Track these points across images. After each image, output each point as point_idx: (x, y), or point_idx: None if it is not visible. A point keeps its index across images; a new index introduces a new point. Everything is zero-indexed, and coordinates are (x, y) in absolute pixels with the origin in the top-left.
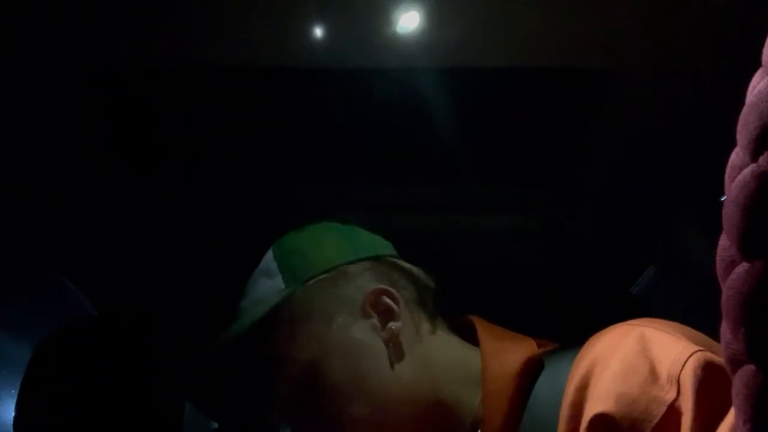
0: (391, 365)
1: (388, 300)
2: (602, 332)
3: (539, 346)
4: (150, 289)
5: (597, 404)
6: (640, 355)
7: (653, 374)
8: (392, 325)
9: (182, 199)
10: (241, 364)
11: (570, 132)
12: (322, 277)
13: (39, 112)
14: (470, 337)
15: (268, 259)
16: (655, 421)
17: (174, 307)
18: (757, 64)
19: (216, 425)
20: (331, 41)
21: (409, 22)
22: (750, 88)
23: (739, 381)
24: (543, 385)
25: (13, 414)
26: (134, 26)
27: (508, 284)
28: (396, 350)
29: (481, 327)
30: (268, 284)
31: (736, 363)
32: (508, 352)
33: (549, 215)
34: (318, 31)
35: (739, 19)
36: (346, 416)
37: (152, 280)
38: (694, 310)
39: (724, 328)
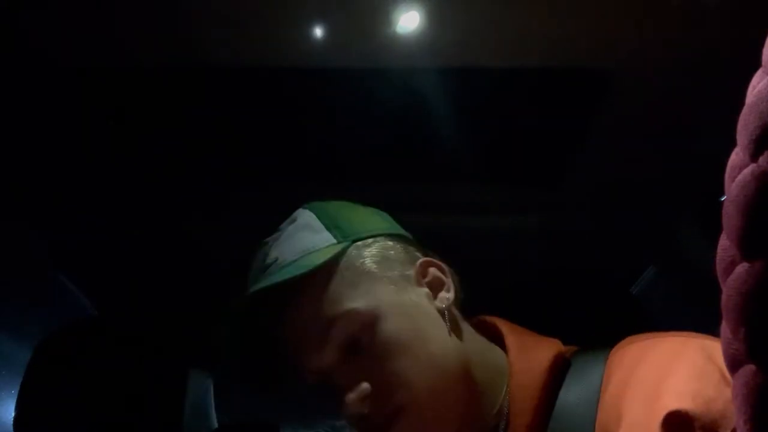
0: (448, 332)
1: (437, 272)
2: (639, 340)
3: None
4: (150, 289)
5: (671, 402)
6: (708, 361)
7: (725, 379)
8: (445, 295)
9: (182, 198)
10: (288, 314)
11: (570, 132)
12: (371, 240)
13: (39, 111)
14: (487, 336)
15: (308, 216)
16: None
17: (174, 307)
18: (757, 64)
19: (216, 425)
20: (331, 41)
21: (409, 22)
22: (750, 88)
23: (739, 381)
24: (573, 382)
25: (13, 414)
26: (134, 26)
27: (507, 284)
28: (451, 319)
29: (505, 325)
30: (315, 238)
31: (736, 363)
32: (535, 349)
33: (549, 215)
34: (318, 31)
35: (738, 19)
36: (399, 375)
37: (152, 280)
38: (694, 310)
39: (724, 328)
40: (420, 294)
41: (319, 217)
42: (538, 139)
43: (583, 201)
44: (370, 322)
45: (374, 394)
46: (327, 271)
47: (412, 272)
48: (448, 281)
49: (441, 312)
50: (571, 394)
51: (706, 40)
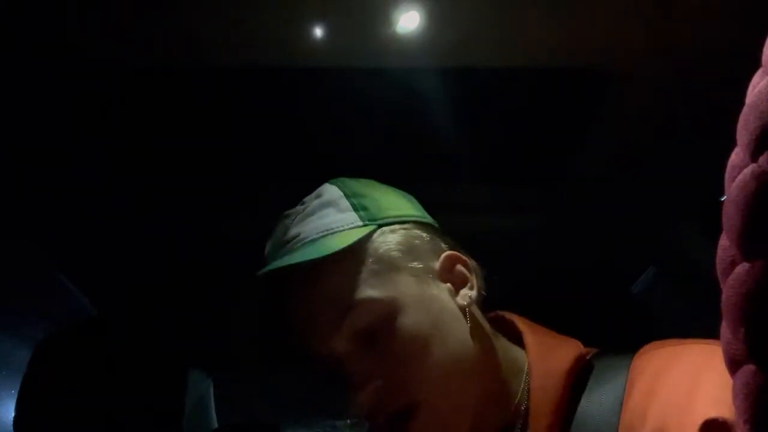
0: (464, 327)
1: (462, 268)
2: (664, 346)
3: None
4: (150, 290)
5: (709, 409)
6: None
7: None
8: (467, 292)
9: (182, 198)
10: (304, 296)
11: (570, 132)
12: (397, 226)
13: (38, 111)
14: (505, 334)
15: (334, 192)
16: None
17: (174, 308)
18: (757, 64)
19: (216, 425)
20: (331, 41)
21: (409, 22)
22: (750, 88)
23: (739, 381)
24: (595, 386)
25: (13, 414)
26: (134, 26)
27: (507, 284)
28: (471, 318)
29: (523, 323)
30: (339, 217)
31: (736, 363)
32: (556, 350)
33: (549, 215)
34: (318, 31)
35: (738, 19)
36: (415, 372)
37: (152, 281)
38: (694, 310)
39: (724, 328)
40: (442, 289)
41: (346, 195)
42: (538, 139)
43: (583, 201)
44: (388, 313)
45: (387, 389)
46: (349, 255)
47: (436, 265)
48: (472, 278)
49: (462, 309)
50: (593, 398)
51: (706, 40)
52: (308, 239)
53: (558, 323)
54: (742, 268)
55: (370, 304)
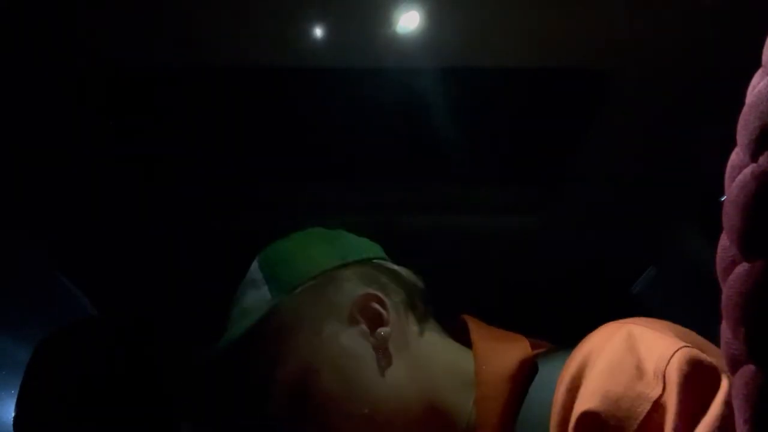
0: (381, 371)
1: (376, 305)
2: (593, 332)
3: (534, 347)
4: (150, 290)
5: (584, 403)
6: (627, 353)
7: (639, 371)
8: (381, 330)
9: (182, 199)
10: (232, 375)
11: (570, 132)
12: (308, 284)
13: (38, 112)
14: (467, 337)
15: (254, 269)
16: (640, 418)
17: (174, 308)
18: (757, 64)
19: None
20: (331, 41)
21: (409, 22)
22: (750, 88)
23: (739, 381)
24: (537, 387)
25: (13, 414)
26: (134, 26)
27: (507, 284)
28: (385, 356)
29: (474, 327)
30: (254, 295)
31: (736, 363)
32: (502, 354)
33: (549, 215)
34: (318, 31)
35: (738, 19)
36: (338, 424)
37: (152, 281)
38: (694, 310)
39: (724, 328)
40: (353, 334)
41: (262, 268)
42: (538, 139)
43: (582, 201)
44: (301, 380)
45: None
46: (259, 331)
47: (345, 311)
48: (388, 315)
49: (377, 350)
50: (533, 399)
51: (705, 40)
52: (234, 321)
53: (558, 323)
54: (742, 268)
55: (283, 377)
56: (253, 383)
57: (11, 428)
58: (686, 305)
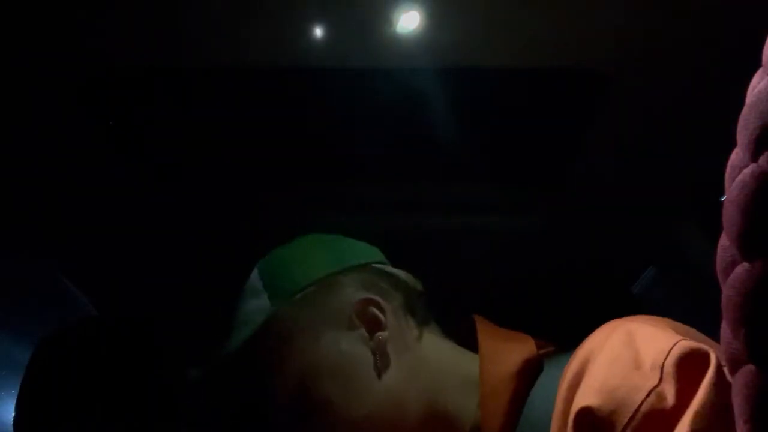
0: (379, 376)
1: (374, 310)
2: (594, 332)
3: (539, 348)
4: (151, 290)
5: (582, 399)
6: (625, 348)
7: (637, 363)
8: (380, 335)
9: (182, 200)
10: (234, 383)
11: (570, 132)
12: (307, 291)
13: (39, 113)
14: (474, 337)
15: (254, 277)
16: (635, 407)
17: (175, 309)
18: (757, 64)
19: None
20: (331, 41)
21: (409, 22)
22: (750, 88)
23: (739, 381)
24: (540, 386)
25: (13, 414)
26: (134, 26)
27: (508, 284)
28: (384, 360)
29: (481, 328)
30: (254, 303)
31: (736, 363)
32: (507, 354)
33: (549, 215)
34: (318, 31)
35: (738, 20)
36: (339, 429)
37: (153, 281)
38: (694, 310)
39: (724, 328)
40: (352, 339)
41: (261, 276)
42: (538, 139)
43: (583, 201)
44: (301, 386)
45: None
46: (259, 339)
47: (344, 317)
48: (386, 319)
49: (376, 353)
50: (537, 398)
51: (705, 41)
52: (235, 330)
53: (558, 323)
54: (742, 268)
55: (284, 383)
56: (254, 390)
57: (11, 428)
58: (686, 305)
